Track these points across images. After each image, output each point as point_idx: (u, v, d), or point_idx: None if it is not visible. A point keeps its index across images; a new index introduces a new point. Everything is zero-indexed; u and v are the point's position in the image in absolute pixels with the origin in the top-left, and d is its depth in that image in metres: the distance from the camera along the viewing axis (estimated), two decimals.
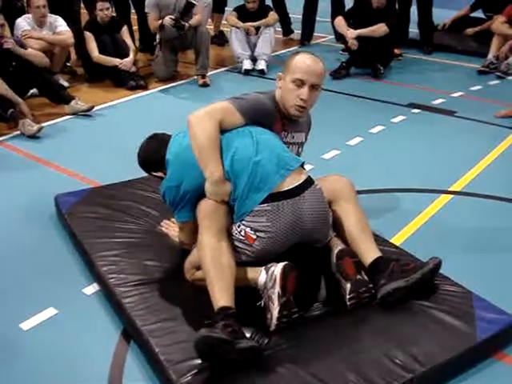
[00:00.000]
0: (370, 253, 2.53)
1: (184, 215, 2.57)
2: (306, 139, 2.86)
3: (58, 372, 2.29)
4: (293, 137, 2.74)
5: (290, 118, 2.69)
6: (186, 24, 5.62)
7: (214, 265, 2.31)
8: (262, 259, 2.41)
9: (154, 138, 2.80)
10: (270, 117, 2.61)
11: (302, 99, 2.57)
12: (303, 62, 2.59)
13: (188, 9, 5.64)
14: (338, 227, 2.65)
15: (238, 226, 2.41)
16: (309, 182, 2.47)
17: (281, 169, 2.43)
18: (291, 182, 2.42)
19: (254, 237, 2.37)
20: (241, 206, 2.40)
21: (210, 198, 2.43)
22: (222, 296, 2.24)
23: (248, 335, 2.18)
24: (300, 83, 2.56)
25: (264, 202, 2.37)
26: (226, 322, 2.14)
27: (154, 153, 2.72)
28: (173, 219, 2.88)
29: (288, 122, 2.69)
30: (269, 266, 2.33)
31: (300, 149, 2.80)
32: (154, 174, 2.77)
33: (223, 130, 2.49)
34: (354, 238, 2.59)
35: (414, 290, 2.45)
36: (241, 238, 2.40)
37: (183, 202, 2.53)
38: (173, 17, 5.61)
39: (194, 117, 2.48)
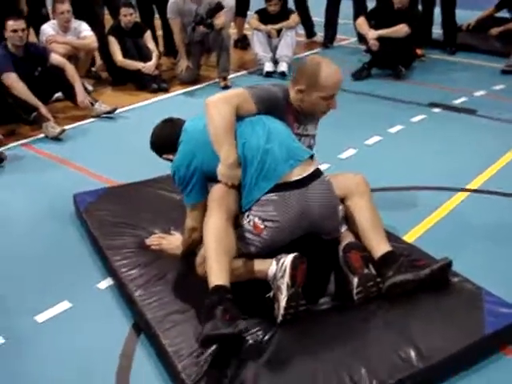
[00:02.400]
0: (380, 247, 2.55)
1: (193, 197, 2.59)
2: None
3: (69, 362, 2.35)
4: (306, 129, 2.77)
5: (303, 113, 2.71)
6: (216, 24, 5.68)
7: (216, 245, 2.34)
8: (271, 250, 2.43)
9: (169, 121, 2.84)
10: (282, 108, 2.65)
11: (333, 108, 2.66)
12: (331, 78, 2.60)
13: (217, 10, 5.70)
14: (350, 222, 2.67)
15: (247, 217, 2.44)
16: (317, 174, 2.49)
17: (290, 159, 2.46)
18: (300, 173, 2.44)
19: (262, 226, 2.39)
20: (249, 192, 2.43)
21: (222, 181, 2.46)
22: (220, 275, 2.28)
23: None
24: (330, 97, 2.62)
25: (272, 191, 2.40)
26: (224, 307, 2.17)
27: (167, 134, 2.76)
28: (162, 234, 2.92)
29: (300, 115, 2.72)
30: (279, 257, 2.35)
31: (312, 140, 2.83)
32: (166, 156, 2.79)
33: (237, 117, 2.53)
34: (366, 232, 2.60)
35: (422, 285, 2.45)
36: (249, 228, 2.43)
37: (192, 183, 2.55)
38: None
39: (211, 101, 2.54)
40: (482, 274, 2.64)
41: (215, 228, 2.39)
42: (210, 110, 2.52)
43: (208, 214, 2.45)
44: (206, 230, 2.42)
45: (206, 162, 2.52)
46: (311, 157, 2.56)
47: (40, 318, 2.60)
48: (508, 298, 2.44)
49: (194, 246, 2.70)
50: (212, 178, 2.53)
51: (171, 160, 2.69)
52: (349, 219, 2.67)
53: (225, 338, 2.12)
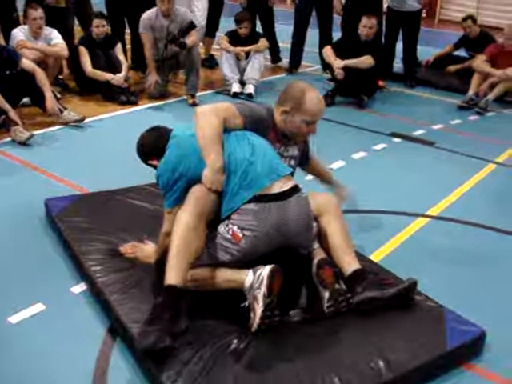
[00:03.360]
0: (350, 264, 2.67)
1: (173, 202, 2.64)
2: (305, 150, 3.04)
3: (44, 366, 2.37)
4: (287, 150, 2.89)
5: (285, 135, 2.83)
6: (187, 42, 5.78)
7: (180, 242, 2.42)
8: (247, 260, 2.52)
9: (156, 129, 2.92)
10: (266, 126, 2.77)
11: (313, 133, 2.80)
12: (315, 105, 2.75)
13: (189, 29, 5.81)
14: (322, 239, 2.78)
15: (226, 225, 2.52)
16: (296, 189, 2.61)
17: (272, 173, 2.57)
18: (280, 187, 2.55)
19: (241, 235, 2.48)
20: (230, 200, 2.52)
21: (206, 185, 2.52)
22: (175, 275, 2.39)
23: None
24: (311, 123, 2.75)
25: (252, 201, 2.49)
26: (170, 312, 2.32)
27: (154, 140, 2.84)
28: (135, 243, 2.96)
29: (283, 137, 2.84)
30: (256, 268, 2.44)
31: (292, 161, 2.93)
32: (151, 162, 2.85)
33: (224, 130, 2.64)
34: (336, 249, 2.72)
35: (389, 303, 2.57)
36: (228, 236, 2.51)
37: (175, 187, 2.61)
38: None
39: (201, 110, 2.65)
40: (442, 293, 2.78)
41: (185, 224, 2.45)
42: (199, 119, 2.62)
43: (183, 208, 2.50)
44: (176, 223, 2.47)
45: (191, 169, 2.59)
46: (291, 174, 2.67)
47: (13, 319, 2.61)
48: (466, 316, 2.59)
49: (167, 253, 2.74)
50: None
51: (155, 166, 2.76)
52: (322, 236, 2.78)
53: (164, 349, 2.25)
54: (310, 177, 3.46)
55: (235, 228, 2.49)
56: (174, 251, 2.43)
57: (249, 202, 2.50)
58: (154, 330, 2.27)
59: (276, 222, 2.49)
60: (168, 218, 2.69)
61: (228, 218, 2.53)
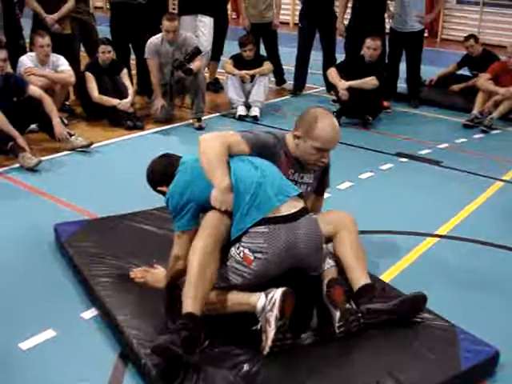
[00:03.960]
0: (360, 280, 2.68)
1: (183, 224, 2.65)
2: (323, 180, 3.05)
3: None
4: (302, 177, 2.90)
5: (299, 161, 2.85)
6: (193, 68, 5.83)
7: (199, 271, 2.43)
8: (258, 283, 2.52)
9: (166, 156, 2.95)
10: (273, 153, 2.78)
11: (323, 162, 2.78)
12: (327, 132, 2.74)
13: (195, 54, 5.86)
14: (336, 254, 2.79)
15: (237, 248, 2.53)
16: (305, 211, 2.62)
17: (280, 194, 2.58)
18: (288, 209, 2.56)
19: (252, 258, 2.49)
20: (240, 221, 2.53)
21: (216, 206, 2.54)
22: (194, 303, 2.39)
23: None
24: (322, 150, 2.76)
25: (262, 224, 2.50)
26: (187, 334, 2.30)
27: (164, 167, 2.87)
28: (145, 267, 2.97)
29: (296, 162, 2.85)
30: (268, 290, 2.44)
31: (309, 188, 2.95)
32: (160, 188, 2.87)
33: (229, 155, 2.66)
34: (349, 265, 2.74)
35: (394, 314, 2.58)
36: (239, 259, 2.52)
37: (184, 211, 2.63)
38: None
39: (204, 137, 2.69)
40: (453, 313, 2.77)
41: (202, 252, 2.46)
42: (201, 145, 2.66)
43: (198, 236, 2.52)
44: (192, 251, 2.49)
45: (198, 194, 2.62)
46: (299, 195, 2.68)
47: (24, 345, 2.60)
48: (478, 335, 2.57)
49: (177, 277, 2.75)
50: (206, 209, 2.61)
51: (164, 193, 2.78)
52: (336, 251, 2.79)
53: (170, 354, 2.26)
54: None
55: (246, 251, 2.50)
56: (191, 280, 2.43)
57: (259, 224, 2.51)
58: (168, 337, 2.29)
59: (286, 244, 2.50)
60: (177, 242, 2.70)
61: (238, 240, 2.54)
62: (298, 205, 2.61)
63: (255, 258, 2.48)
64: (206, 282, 2.44)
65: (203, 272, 2.43)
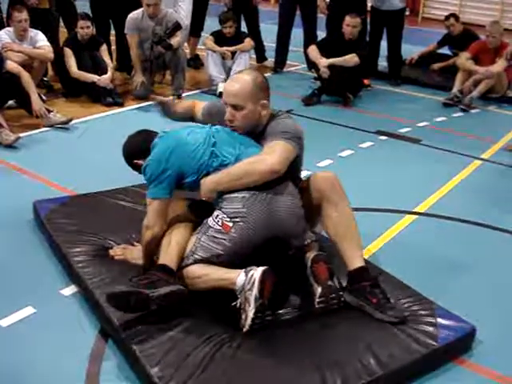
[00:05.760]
0: (353, 260, 2.66)
1: (155, 192, 2.65)
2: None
3: (35, 368, 2.36)
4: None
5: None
6: (173, 43, 5.76)
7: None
8: (241, 253, 2.54)
9: (144, 131, 2.94)
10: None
11: (227, 119, 2.75)
12: (226, 85, 2.80)
13: (175, 30, 5.81)
14: (325, 225, 2.75)
15: (216, 217, 2.55)
16: (282, 179, 2.62)
17: None
18: None
19: (231, 224, 2.51)
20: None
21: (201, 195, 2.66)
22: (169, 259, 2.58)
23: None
24: (226, 105, 2.75)
25: (242, 189, 2.54)
26: (147, 276, 2.44)
27: (141, 141, 2.86)
28: (125, 245, 3.01)
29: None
30: (248, 269, 2.44)
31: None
32: (137, 161, 2.83)
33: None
34: (340, 242, 2.69)
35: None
36: (218, 228, 2.54)
37: (161, 178, 2.63)
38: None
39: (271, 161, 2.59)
40: (431, 290, 2.80)
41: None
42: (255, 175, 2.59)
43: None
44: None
45: (180, 162, 2.63)
46: None
47: (4, 322, 2.59)
48: (456, 311, 2.61)
49: (151, 249, 2.73)
50: (181, 184, 2.68)
51: (140, 167, 2.77)
52: (325, 221, 2.74)
53: (124, 294, 2.41)
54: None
55: (224, 217, 2.53)
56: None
57: (238, 190, 2.54)
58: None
59: (266, 209, 2.53)
60: (147, 210, 2.70)
61: (219, 206, 2.58)
62: None
63: (234, 223, 2.51)
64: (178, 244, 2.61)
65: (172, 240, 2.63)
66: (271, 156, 2.57)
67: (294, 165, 2.75)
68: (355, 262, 2.65)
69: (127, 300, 2.40)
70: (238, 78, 2.77)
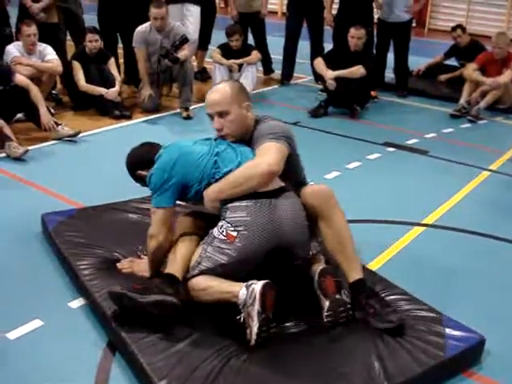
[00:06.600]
0: (352, 273, 2.65)
1: (160, 200, 2.67)
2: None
3: (43, 381, 2.35)
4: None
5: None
6: (180, 57, 5.80)
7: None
8: (245, 263, 2.53)
9: (147, 143, 2.97)
10: None
11: (216, 129, 2.78)
12: (207, 96, 2.81)
13: (182, 43, 5.84)
14: (323, 239, 2.74)
15: (220, 228, 2.55)
16: (284, 188, 2.65)
17: None
18: (269, 186, 2.60)
19: (235, 234, 2.51)
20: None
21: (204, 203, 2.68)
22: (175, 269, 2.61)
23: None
24: (211, 117, 2.78)
25: (244, 198, 2.55)
26: (146, 282, 2.51)
27: (145, 152, 2.89)
28: (132, 258, 3.01)
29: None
30: (249, 282, 2.43)
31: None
32: (140, 172, 2.85)
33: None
34: (337, 253, 2.69)
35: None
36: (223, 238, 2.54)
37: (165, 187, 2.65)
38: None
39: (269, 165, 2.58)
40: (440, 301, 2.79)
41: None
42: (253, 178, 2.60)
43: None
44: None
45: (184, 170, 2.65)
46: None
47: (12, 335, 2.59)
48: (464, 323, 2.59)
49: (157, 260, 2.76)
50: (185, 195, 2.69)
51: (144, 179, 2.79)
52: (323, 235, 2.73)
53: (119, 296, 2.50)
54: None
55: (229, 226, 2.53)
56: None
57: (241, 198, 2.55)
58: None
59: (269, 218, 2.53)
60: (152, 219, 2.73)
61: (221, 217, 2.58)
62: (278, 183, 2.65)
63: (238, 232, 2.51)
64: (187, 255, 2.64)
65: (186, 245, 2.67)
66: (267, 158, 2.58)
67: (292, 167, 2.75)
68: (352, 275, 2.65)
69: (121, 299, 2.50)
70: (215, 89, 2.81)
